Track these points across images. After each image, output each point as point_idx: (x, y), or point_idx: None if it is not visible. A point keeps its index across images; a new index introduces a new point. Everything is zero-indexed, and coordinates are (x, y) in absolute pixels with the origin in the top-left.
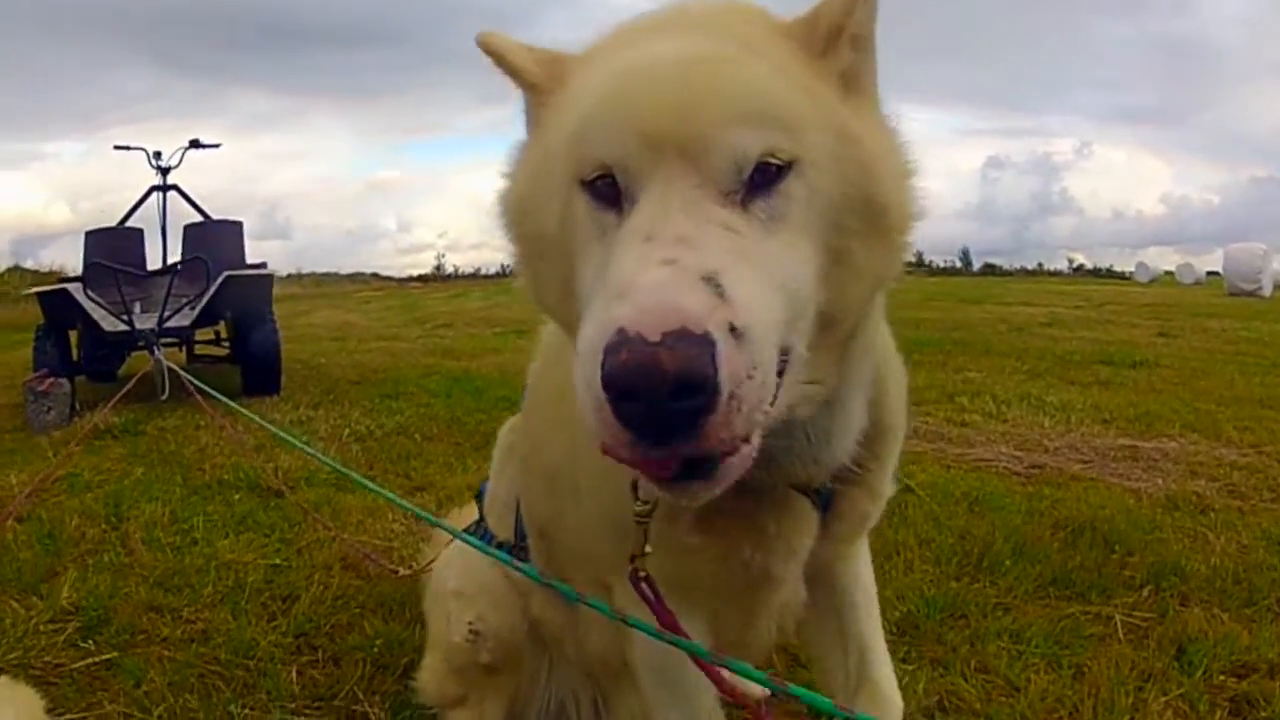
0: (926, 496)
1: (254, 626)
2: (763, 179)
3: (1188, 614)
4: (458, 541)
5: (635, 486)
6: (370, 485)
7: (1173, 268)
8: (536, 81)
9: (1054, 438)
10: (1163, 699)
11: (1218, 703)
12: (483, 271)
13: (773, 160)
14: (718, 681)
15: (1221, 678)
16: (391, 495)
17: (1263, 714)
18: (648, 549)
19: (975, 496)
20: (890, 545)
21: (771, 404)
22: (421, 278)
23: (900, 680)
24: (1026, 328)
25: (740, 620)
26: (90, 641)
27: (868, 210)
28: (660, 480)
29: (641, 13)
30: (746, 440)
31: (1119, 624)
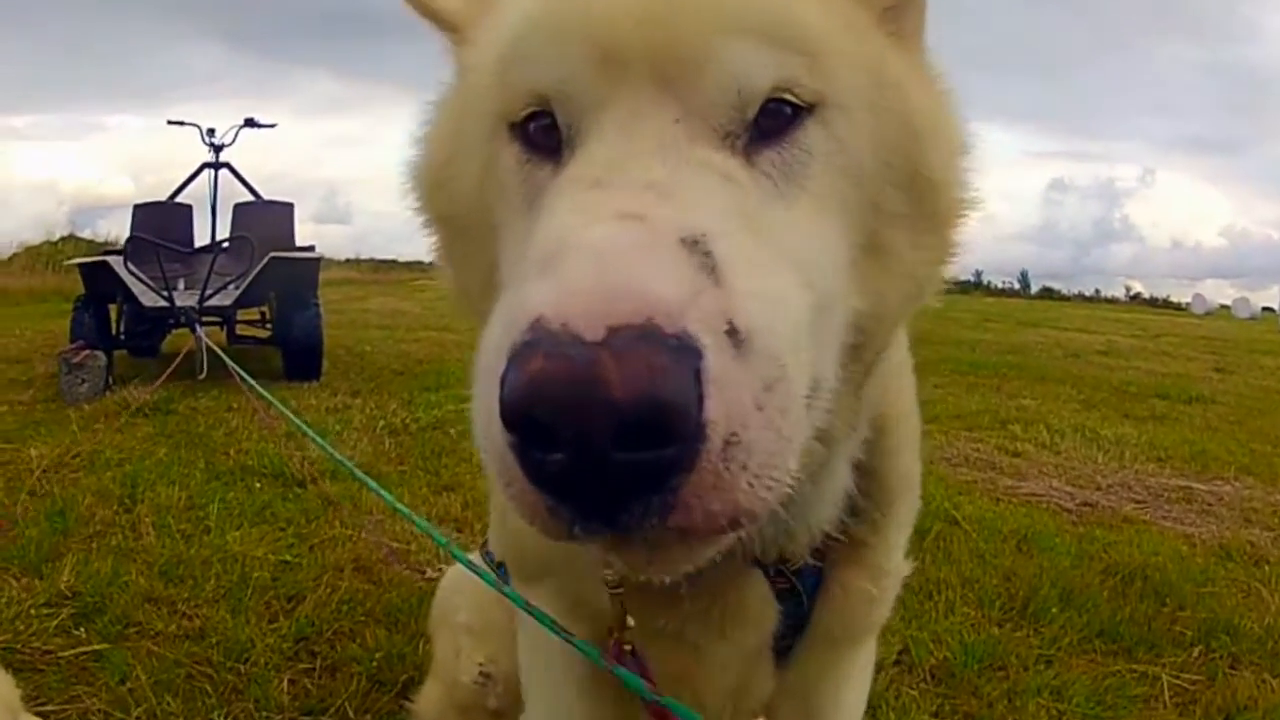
0: (973, 532)
1: (252, 626)
2: (773, 124)
3: (1238, 679)
4: (470, 562)
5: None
6: (381, 492)
7: (1229, 301)
8: (458, 20)
9: (1107, 474)
10: None
11: None
12: None
13: (789, 97)
14: None
15: None
16: (404, 509)
17: None
18: (630, 621)
19: (1024, 534)
20: (932, 583)
21: (795, 458)
22: None
23: None
24: (1082, 355)
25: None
26: (82, 629)
27: (913, 186)
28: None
29: None
30: (752, 517)
31: (1165, 685)
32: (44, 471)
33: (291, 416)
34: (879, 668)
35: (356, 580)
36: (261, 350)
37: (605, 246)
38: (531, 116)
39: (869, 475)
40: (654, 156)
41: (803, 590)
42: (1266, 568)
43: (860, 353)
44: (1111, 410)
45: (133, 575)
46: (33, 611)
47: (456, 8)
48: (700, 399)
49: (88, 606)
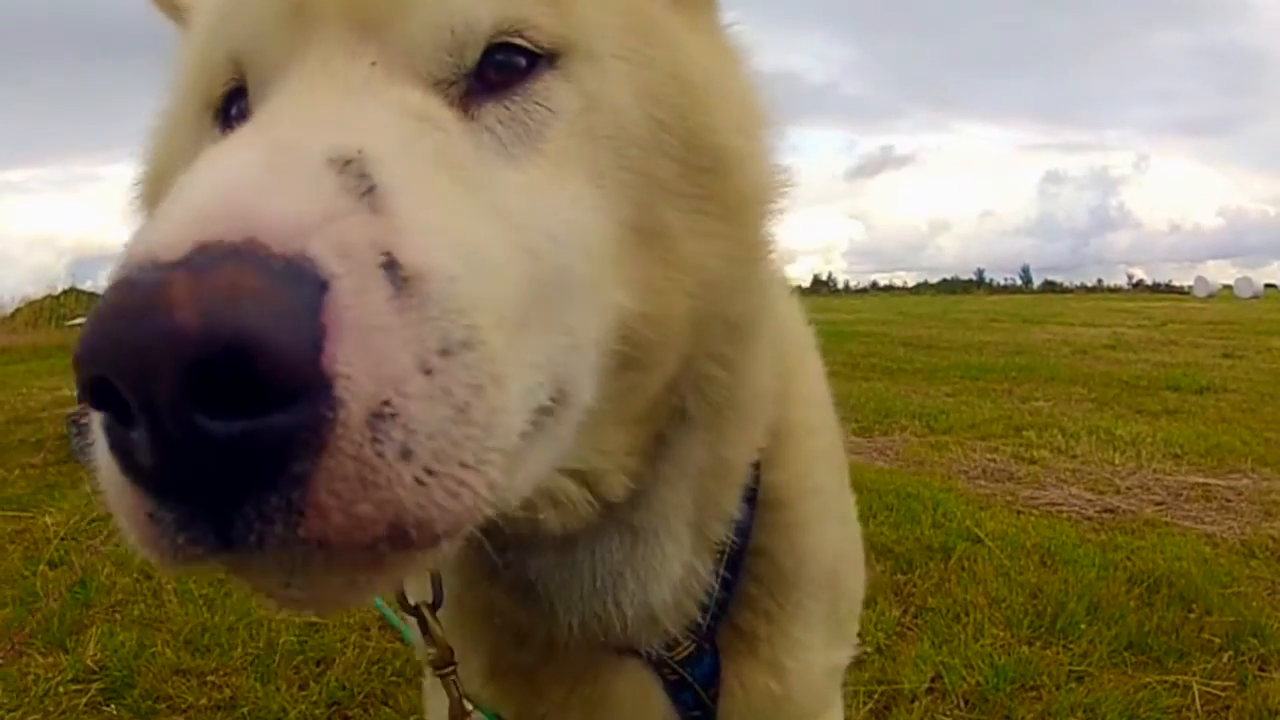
0: (997, 549)
1: (283, 694)
2: (501, 75)
3: (1267, 682)
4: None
5: (422, 624)
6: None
7: (1231, 281)
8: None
9: (1125, 475)
10: None
11: None
12: None
13: (521, 42)
14: None
15: None
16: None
17: None
18: (468, 706)
19: (1047, 548)
20: (959, 605)
21: (500, 462)
22: None
23: None
24: (1090, 350)
25: None
26: (112, 705)
27: (693, 156)
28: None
29: None
30: (428, 530)
31: (1197, 694)
32: (61, 540)
33: None
34: (912, 698)
35: (383, 639)
36: None
37: (227, 172)
38: (231, 97)
39: (758, 556)
40: (336, 97)
41: (694, 682)
42: None
43: (639, 371)
44: (1124, 407)
45: (158, 646)
46: (60, 689)
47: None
48: (319, 341)
49: (116, 681)
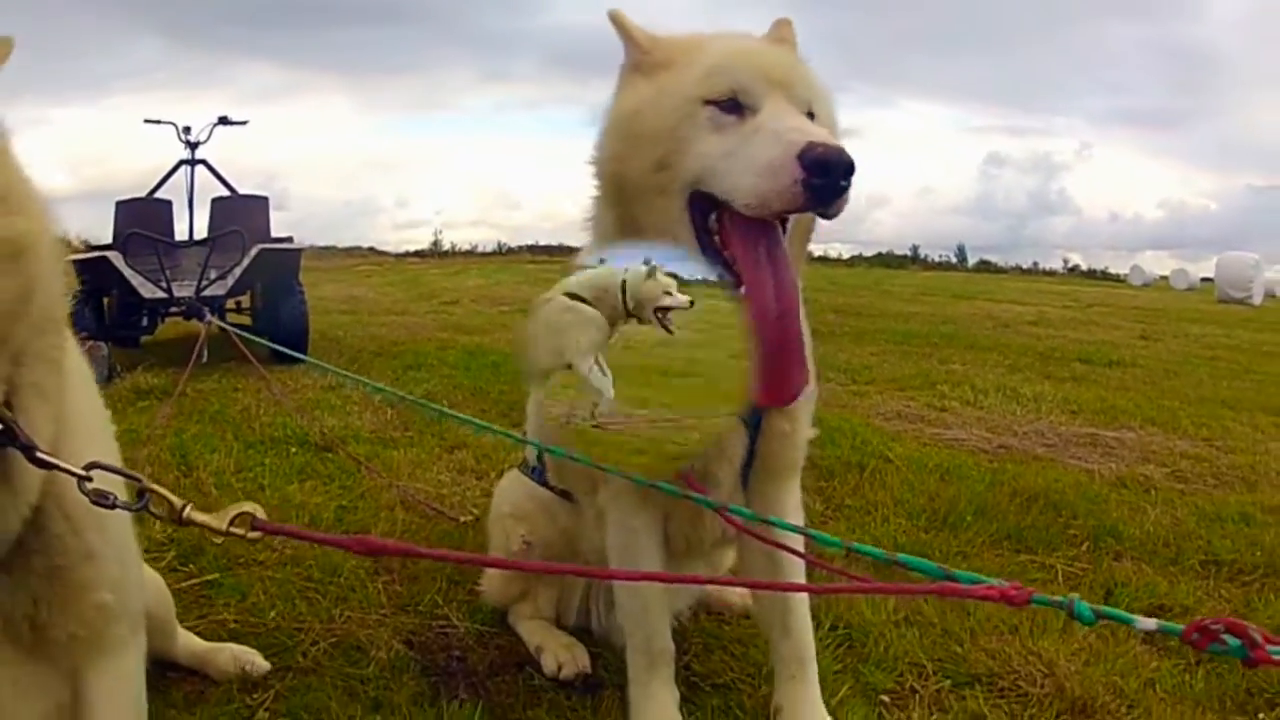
0: (903, 467)
1: (336, 555)
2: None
3: (1118, 567)
4: (508, 475)
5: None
6: (474, 420)
7: (1168, 272)
8: (648, 46)
9: (1023, 424)
10: (1086, 627)
11: (1133, 633)
12: (479, 249)
13: (811, 109)
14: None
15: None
16: (499, 429)
17: (1171, 644)
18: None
19: (946, 468)
20: (869, 504)
21: None
22: (419, 253)
23: (873, 604)
24: (1013, 325)
25: (689, 521)
26: (191, 565)
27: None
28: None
29: (719, 31)
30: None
31: (1060, 571)
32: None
33: (384, 388)
34: (831, 560)
35: (410, 516)
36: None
37: (813, 132)
38: (723, 99)
39: None
40: (796, 117)
41: (751, 427)
42: (1155, 493)
43: None
44: (1034, 373)
45: None
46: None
47: (644, 35)
48: (852, 175)
49: (187, 549)
